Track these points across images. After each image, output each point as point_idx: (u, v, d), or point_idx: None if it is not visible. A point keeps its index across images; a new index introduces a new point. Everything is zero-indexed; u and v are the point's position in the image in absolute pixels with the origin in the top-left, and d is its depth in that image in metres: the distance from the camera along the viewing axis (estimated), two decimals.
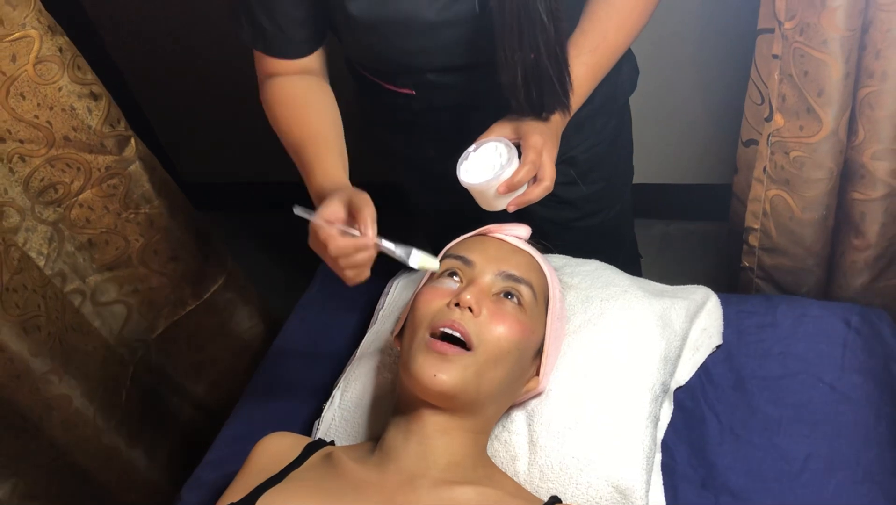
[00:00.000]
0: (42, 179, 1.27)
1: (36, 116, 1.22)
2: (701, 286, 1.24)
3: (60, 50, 1.22)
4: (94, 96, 1.29)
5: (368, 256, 0.89)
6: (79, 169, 1.30)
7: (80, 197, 1.33)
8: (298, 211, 0.90)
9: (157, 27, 2.24)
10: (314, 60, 1.10)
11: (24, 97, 1.20)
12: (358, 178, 1.02)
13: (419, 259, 0.91)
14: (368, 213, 0.87)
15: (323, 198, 0.95)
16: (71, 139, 1.27)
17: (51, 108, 1.23)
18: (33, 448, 1.24)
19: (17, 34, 1.15)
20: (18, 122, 1.21)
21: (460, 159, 1.00)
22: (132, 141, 1.36)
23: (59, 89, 1.23)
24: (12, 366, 1.16)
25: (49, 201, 1.30)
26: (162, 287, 1.50)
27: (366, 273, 0.91)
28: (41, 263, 1.29)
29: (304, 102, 1.08)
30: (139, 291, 1.47)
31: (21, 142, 1.23)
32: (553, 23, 0.91)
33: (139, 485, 1.47)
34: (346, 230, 0.88)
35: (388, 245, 0.90)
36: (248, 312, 1.73)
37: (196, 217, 1.54)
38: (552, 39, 0.92)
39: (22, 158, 1.24)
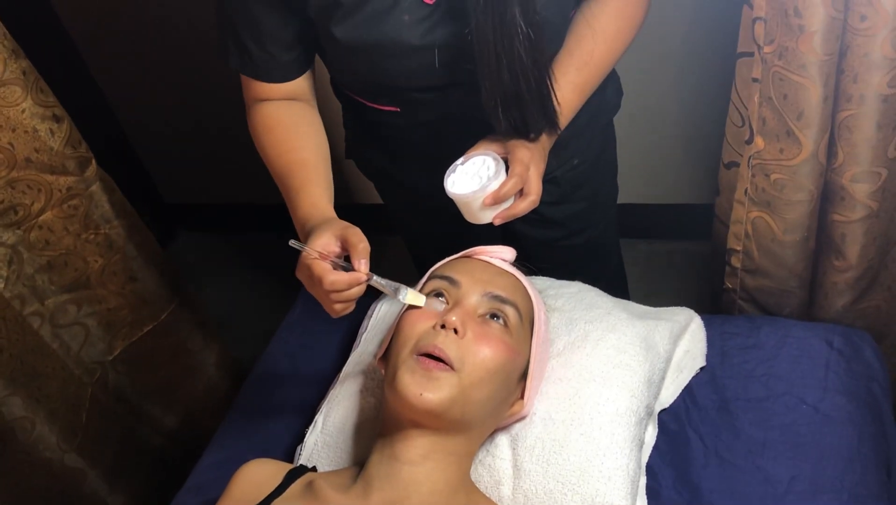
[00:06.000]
0: (2, 202, 1.26)
1: None
2: (684, 308, 1.24)
3: (24, 73, 1.22)
4: (57, 118, 1.29)
5: (359, 290, 0.90)
6: (39, 190, 1.30)
7: (41, 219, 1.32)
8: (293, 243, 0.91)
9: (140, 47, 2.23)
10: (301, 84, 1.10)
11: None
12: (345, 200, 1.01)
13: (408, 295, 0.93)
14: (363, 248, 0.88)
15: (308, 227, 0.95)
16: (33, 160, 1.27)
17: (13, 130, 1.23)
18: None
19: None
20: None
21: (448, 171, 1.01)
22: (93, 162, 1.37)
23: (23, 111, 1.23)
24: None
25: (9, 224, 1.28)
26: (120, 308, 1.50)
27: (352, 306, 0.93)
28: (0, 286, 1.27)
29: (291, 130, 1.07)
30: (97, 313, 1.46)
31: None
32: (531, 49, 0.92)
33: None
34: (339, 264, 0.89)
35: (380, 280, 0.91)
36: (203, 335, 1.72)
37: (151, 238, 1.54)
38: (531, 64, 0.93)
39: None
